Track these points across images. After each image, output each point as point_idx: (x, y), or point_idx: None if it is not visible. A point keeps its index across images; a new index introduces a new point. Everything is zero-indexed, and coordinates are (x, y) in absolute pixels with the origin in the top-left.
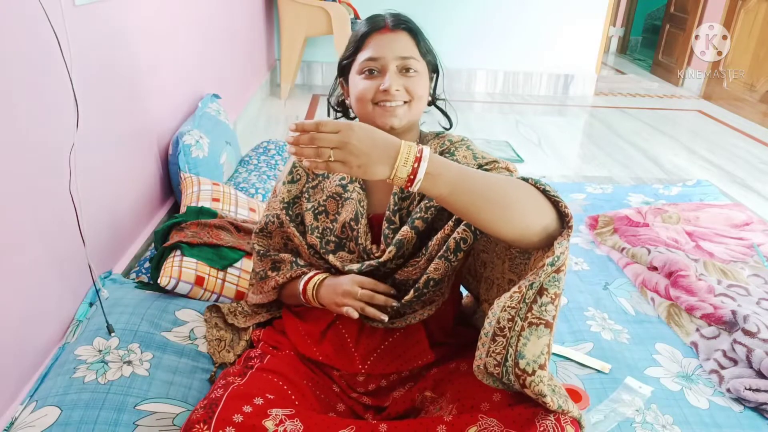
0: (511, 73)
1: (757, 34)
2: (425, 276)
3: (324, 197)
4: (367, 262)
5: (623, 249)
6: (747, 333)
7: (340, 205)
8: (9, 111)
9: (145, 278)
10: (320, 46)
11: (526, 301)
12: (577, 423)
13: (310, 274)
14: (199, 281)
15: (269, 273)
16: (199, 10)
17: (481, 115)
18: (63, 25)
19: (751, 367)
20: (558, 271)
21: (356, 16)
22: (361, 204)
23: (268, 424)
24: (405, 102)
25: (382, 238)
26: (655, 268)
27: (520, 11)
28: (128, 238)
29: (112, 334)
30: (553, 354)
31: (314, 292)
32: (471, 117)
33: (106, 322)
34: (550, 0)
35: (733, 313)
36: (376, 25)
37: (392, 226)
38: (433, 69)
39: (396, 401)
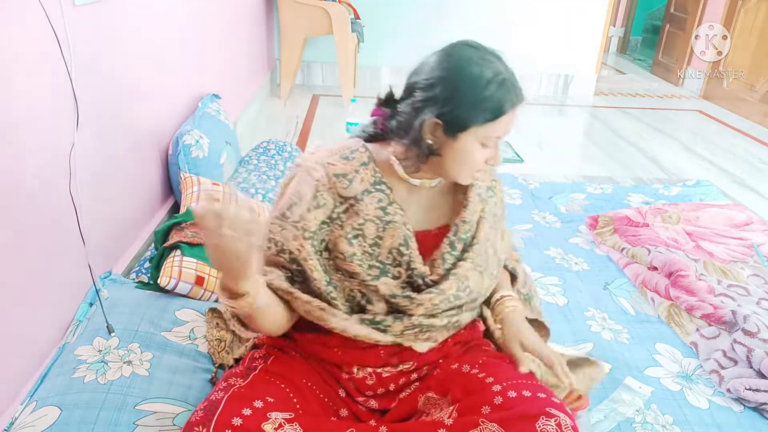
0: None
1: (757, 34)
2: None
3: (361, 220)
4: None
5: (623, 249)
6: (747, 333)
7: (380, 229)
8: (9, 111)
9: (145, 278)
10: (320, 46)
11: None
12: (577, 429)
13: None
14: (199, 281)
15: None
16: (199, 10)
17: None
18: (63, 25)
19: (751, 367)
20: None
21: (356, 16)
22: (407, 227)
23: (267, 427)
24: None
25: (439, 259)
26: (655, 268)
27: (519, 11)
28: (128, 238)
29: (112, 334)
30: None
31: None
32: None
33: (106, 322)
34: (550, 0)
35: (733, 313)
36: (514, 101)
37: (453, 252)
38: None
39: (401, 403)
